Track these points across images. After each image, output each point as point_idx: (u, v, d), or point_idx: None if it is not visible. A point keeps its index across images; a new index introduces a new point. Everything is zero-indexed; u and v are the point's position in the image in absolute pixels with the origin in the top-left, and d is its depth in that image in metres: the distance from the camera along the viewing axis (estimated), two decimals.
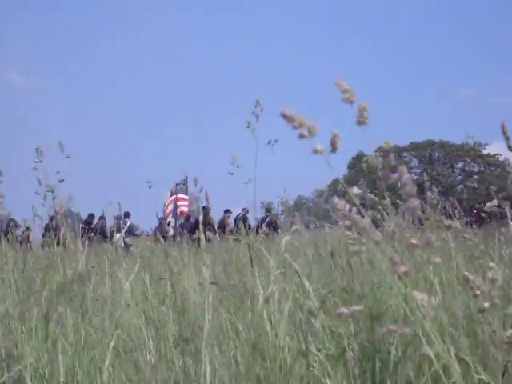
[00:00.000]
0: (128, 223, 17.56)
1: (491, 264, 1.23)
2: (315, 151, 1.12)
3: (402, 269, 1.11)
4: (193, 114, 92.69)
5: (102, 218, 16.55)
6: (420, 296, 1.09)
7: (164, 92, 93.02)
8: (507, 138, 2.18)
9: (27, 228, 7.85)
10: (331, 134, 1.13)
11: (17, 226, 7.23)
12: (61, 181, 3.65)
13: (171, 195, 20.17)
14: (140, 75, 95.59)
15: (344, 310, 1.19)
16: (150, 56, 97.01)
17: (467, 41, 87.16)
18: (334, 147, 1.13)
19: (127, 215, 17.73)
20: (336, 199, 1.13)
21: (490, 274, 1.22)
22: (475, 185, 54.18)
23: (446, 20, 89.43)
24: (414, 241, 1.11)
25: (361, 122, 1.20)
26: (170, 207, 20.07)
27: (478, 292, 1.19)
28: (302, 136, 1.12)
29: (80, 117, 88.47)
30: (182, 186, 20.16)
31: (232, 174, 2.95)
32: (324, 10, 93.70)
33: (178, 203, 19.73)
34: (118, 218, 17.25)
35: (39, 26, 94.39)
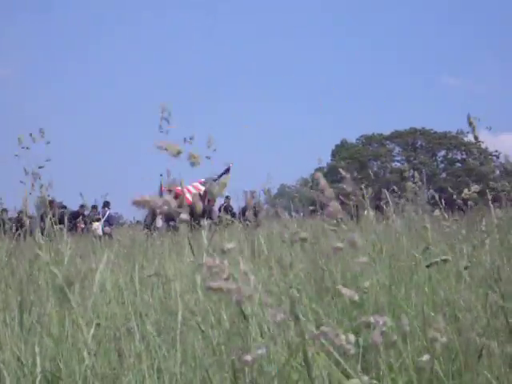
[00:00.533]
0: (107, 213, 17.47)
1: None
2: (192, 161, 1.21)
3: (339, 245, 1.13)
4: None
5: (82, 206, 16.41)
6: None
7: (156, 88, 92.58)
8: (474, 129, 2.20)
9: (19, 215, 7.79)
10: None
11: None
12: (41, 167, 3.63)
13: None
14: (135, 72, 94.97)
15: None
16: (145, 53, 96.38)
17: (451, 29, 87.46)
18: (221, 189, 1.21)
19: (106, 205, 17.63)
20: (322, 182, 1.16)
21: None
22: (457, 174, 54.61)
23: (429, 7, 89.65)
24: (338, 244, 1.15)
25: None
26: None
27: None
28: (174, 155, 1.19)
29: (83, 113, 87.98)
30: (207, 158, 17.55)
31: (209, 158, 2.92)
32: None
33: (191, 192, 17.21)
34: (95, 207, 17.23)
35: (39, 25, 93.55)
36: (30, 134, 3.76)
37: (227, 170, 17.09)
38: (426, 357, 1.27)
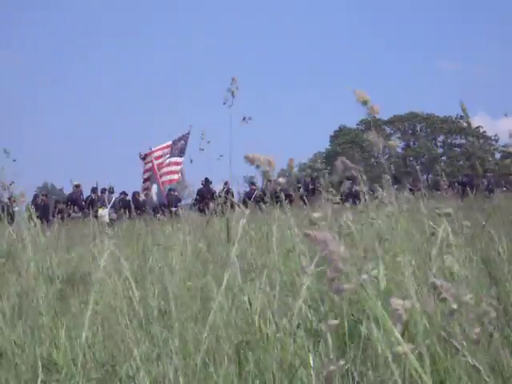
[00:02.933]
0: (113, 199, 17.23)
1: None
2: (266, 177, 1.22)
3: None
4: (167, 92, 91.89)
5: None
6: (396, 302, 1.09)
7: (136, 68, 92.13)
8: (467, 116, 2.20)
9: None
10: None
11: None
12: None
13: (159, 155, 16.09)
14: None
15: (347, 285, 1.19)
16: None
17: (451, 13, 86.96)
18: (290, 169, 1.23)
19: (111, 190, 17.44)
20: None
21: None
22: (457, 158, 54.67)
23: None
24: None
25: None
26: (167, 177, 15.98)
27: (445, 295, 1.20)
28: (265, 173, 1.20)
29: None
30: (182, 143, 16.17)
31: (203, 149, 2.94)
32: None
33: (168, 169, 15.97)
34: (102, 191, 17.02)
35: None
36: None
37: (187, 134, 16.16)
38: None
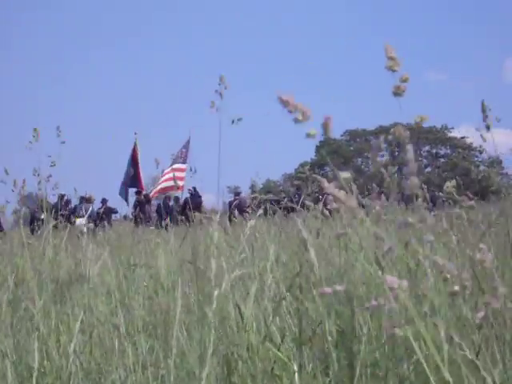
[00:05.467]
0: (90, 209, 17.19)
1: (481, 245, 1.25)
2: (308, 135, 1.13)
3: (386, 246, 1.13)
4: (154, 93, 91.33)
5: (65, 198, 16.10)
6: (390, 279, 1.10)
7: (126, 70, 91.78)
8: (486, 117, 2.08)
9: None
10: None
11: None
12: (52, 165, 3.62)
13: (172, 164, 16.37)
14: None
15: (327, 289, 1.20)
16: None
17: (437, 24, 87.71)
18: (325, 131, 1.14)
19: (88, 200, 17.39)
20: (324, 181, 1.16)
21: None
22: (439, 170, 54.93)
23: (414, 3, 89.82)
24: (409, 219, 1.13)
25: (397, 93, 1.22)
26: (169, 183, 16.05)
27: (448, 276, 1.20)
28: (296, 120, 1.13)
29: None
30: (183, 151, 16.44)
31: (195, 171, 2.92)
32: None
33: (170, 175, 15.91)
34: (80, 200, 17.00)
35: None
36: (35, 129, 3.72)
37: (188, 141, 16.48)
38: None
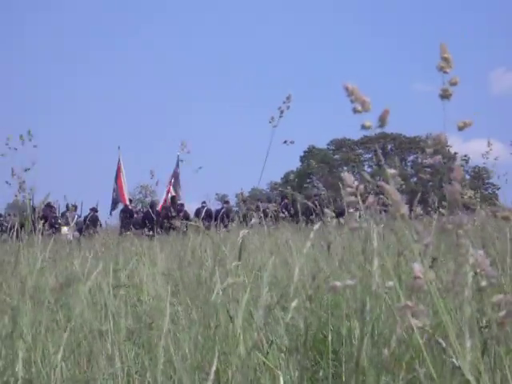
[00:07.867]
0: (75, 217, 17.15)
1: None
2: (363, 127, 1.15)
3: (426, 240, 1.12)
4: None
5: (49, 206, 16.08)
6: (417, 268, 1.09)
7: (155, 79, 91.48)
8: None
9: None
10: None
11: None
12: (27, 169, 3.60)
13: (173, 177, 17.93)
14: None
15: (337, 283, 1.20)
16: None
17: (424, 34, 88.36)
18: (382, 122, 1.16)
19: (73, 209, 17.34)
20: (345, 173, 1.18)
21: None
22: (428, 176, 55.17)
23: (402, 12, 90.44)
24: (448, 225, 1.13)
25: (444, 96, 1.22)
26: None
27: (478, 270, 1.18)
28: (355, 111, 1.15)
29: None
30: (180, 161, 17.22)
31: (182, 161, 2.93)
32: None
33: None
34: (67, 209, 16.96)
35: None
36: (21, 136, 3.71)
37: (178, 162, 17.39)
38: None
